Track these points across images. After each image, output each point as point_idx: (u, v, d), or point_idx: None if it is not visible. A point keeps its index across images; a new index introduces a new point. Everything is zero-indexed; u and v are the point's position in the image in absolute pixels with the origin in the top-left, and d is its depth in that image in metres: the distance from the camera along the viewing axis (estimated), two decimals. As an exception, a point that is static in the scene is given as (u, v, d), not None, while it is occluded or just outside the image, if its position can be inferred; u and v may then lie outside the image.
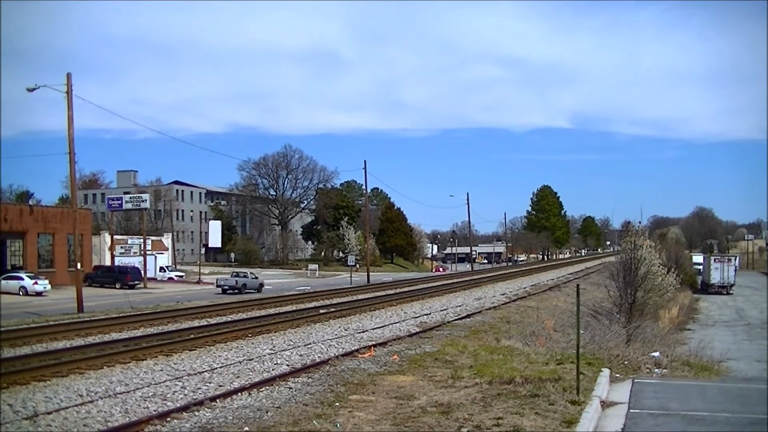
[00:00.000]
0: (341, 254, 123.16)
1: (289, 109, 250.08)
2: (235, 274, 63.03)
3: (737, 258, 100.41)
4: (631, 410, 12.49)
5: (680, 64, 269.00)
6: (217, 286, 58.15)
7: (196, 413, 12.27)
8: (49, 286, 53.63)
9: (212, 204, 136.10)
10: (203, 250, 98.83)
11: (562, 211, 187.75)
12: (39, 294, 51.70)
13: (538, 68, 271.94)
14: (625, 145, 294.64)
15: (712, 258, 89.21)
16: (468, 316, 32.49)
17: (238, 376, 16.08)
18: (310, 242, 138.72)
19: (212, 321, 29.43)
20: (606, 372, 15.82)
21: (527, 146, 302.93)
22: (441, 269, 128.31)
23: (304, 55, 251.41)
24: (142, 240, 72.22)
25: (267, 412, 12.30)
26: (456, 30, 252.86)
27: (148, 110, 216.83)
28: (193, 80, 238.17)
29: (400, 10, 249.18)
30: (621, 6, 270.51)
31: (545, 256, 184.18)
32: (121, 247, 72.52)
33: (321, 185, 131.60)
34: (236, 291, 56.59)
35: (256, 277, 62.73)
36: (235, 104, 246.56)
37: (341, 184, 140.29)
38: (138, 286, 61.64)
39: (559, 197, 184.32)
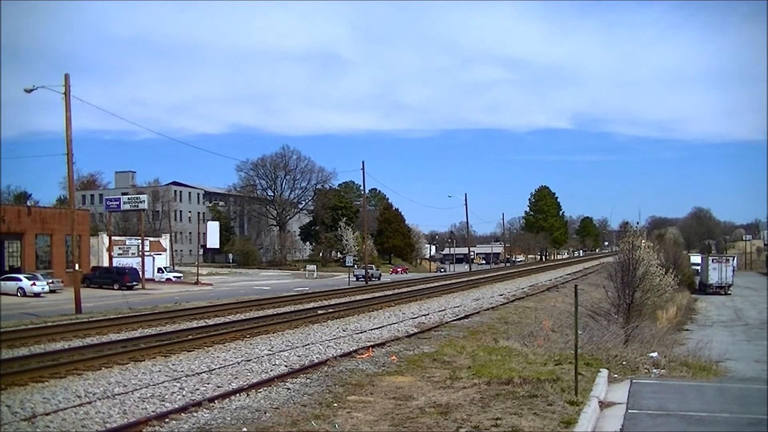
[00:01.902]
0: (339, 255, 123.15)
1: (290, 110, 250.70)
2: (363, 267, 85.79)
3: (735, 258, 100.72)
4: (630, 410, 12.50)
5: (681, 65, 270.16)
6: (354, 275, 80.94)
7: (195, 414, 12.27)
8: (60, 285, 54.03)
9: (210, 205, 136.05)
10: (201, 251, 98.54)
11: (560, 212, 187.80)
12: (37, 295, 51.65)
13: (539, 69, 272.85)
14: (625, 145, 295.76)
15: (711, 258, 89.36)
16: (466, 316, 32.50)
17: (237, 377, 16.07)
18: (308, 243, 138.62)
19: (210, 322, 29.40)
20: (604, 372, 15.83)
21: (527, 147, 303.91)
22: (400, 270, 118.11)
23: (305, 55, 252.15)
24: (140, 241, 72.04)
25: (265, 412, 12.30)
26: (457, 31, 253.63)
27: (148, 111, 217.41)
28: (194, 81, 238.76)
29: (402, 11, 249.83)
30: (622, 7, 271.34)
31: (543, 257, 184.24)
32: (119, 248, 72.30)
33: (319, 186, 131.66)
34: (365, 279, 78.91)
35: (378, 270, 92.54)
36: (235, 105, 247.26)
37: (339, 185, 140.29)
38: (136, 287, 61.54)
39: (557, 198, 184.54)
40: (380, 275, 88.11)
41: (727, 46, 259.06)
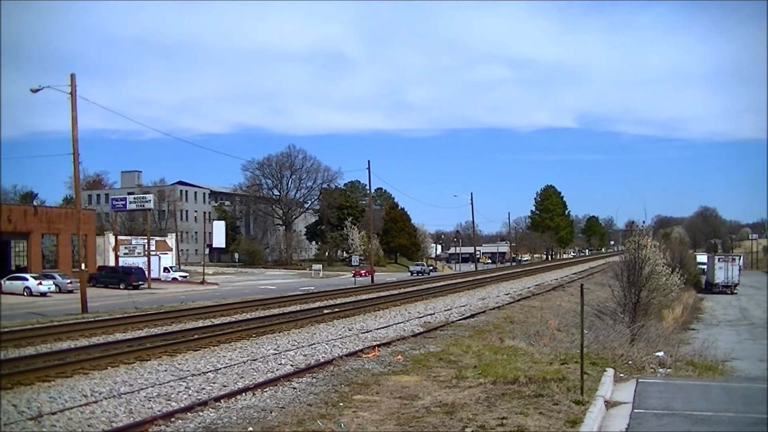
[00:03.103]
0: (345, 254, 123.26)
1: (295, 110, 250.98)
2: (416, 264, 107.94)
3: (741, 257, 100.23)
4: (636, 410, 12.47)
5: (684, 64, 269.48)
6: (410, 271, 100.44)
7: (201, 413, 12.29)
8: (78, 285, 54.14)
9: (216, 204, 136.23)
10: (207, 251, 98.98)
11: (566, 211, 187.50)
12: (43, 294, 51.84)
13: (544, 68, 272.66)
14: (629, 145, 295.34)
15: (716, 257, 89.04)
16: (472, 316, 32.46)
17: (242, 377, 16.09)
18: (313, 242, 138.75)
19: (216, 321, 29.44)
20: (610, 372, 15.80)
21: (532, 146, 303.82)
22: (364, 272, 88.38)
23: (310, 55, 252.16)
24: (146, 240, 72.22)
25: (271, 412, 12.31)
26: (462, 30, 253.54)
27: (154, 111, 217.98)
28: (199, 81, 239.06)
29: (406, 11, 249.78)
30: (626, 7, 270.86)
31: (549, 256, 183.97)
32: (125, 248, 72.56)
33: (325, 185, 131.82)
34: (420, 274, 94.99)
35: (429, 266, 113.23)
36: (240, 105, 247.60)
37: (345, 185, 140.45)
38: (142, 286, 61.73)
39: (563, 197, 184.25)
40: (431, 270, 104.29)
41: (729, 46, 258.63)
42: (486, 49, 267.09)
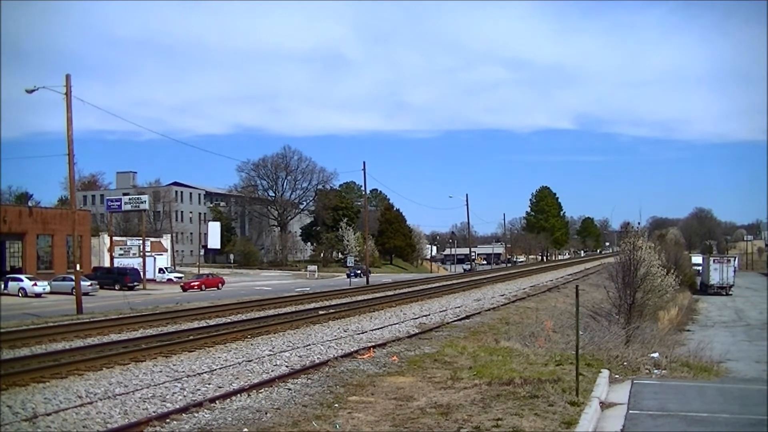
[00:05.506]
0: (340, 255, 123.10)
1: (294, 110, 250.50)
2: (466, 263, 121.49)
3: (736, 259, 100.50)
4: (631, 411, 12.49)
5: (683, 65, 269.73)
6: (463, 269, 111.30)
7: (196, 414, 12.27)
8: (97, 288, 54.70)
9: (211, 205, 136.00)
10: (202, 252, 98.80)
11: (561, 212, 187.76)
12: (38, 295, 51.70)
13: (543, 69, 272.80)
14: (627, 146, 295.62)
15: (712, 259, 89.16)
16: (467, 317, 32.48)
17: (238, 378, 16.07)
18: (309, 243, 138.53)
19: (211, 322, 29.43)
20: (605, 373, 15.82)
21: (530, 147, 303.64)
22: (197, 284, 64.33)
23: (309, 56, 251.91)
24: (141, 241, 72.15)
25: (266, 413, 12.31)
26: (461, 31, 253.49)
27: (153, 111, 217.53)
28: (198, 81, 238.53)
29: (406, 12, 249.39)
30: (625, 8, 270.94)
31: (544, 257, 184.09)
32: (120, 249, 72.43)
33: (320, 186, 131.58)
34: (468, 270, 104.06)
35: (475, 262, 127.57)
36: (239, 105, 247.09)
37: (340, 186, 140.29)
38: (137, 287, 61.62)
39: (558, 198, 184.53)
40: (477, 267, 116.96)
41: (728, 48, 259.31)
42: (484, 50, 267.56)
